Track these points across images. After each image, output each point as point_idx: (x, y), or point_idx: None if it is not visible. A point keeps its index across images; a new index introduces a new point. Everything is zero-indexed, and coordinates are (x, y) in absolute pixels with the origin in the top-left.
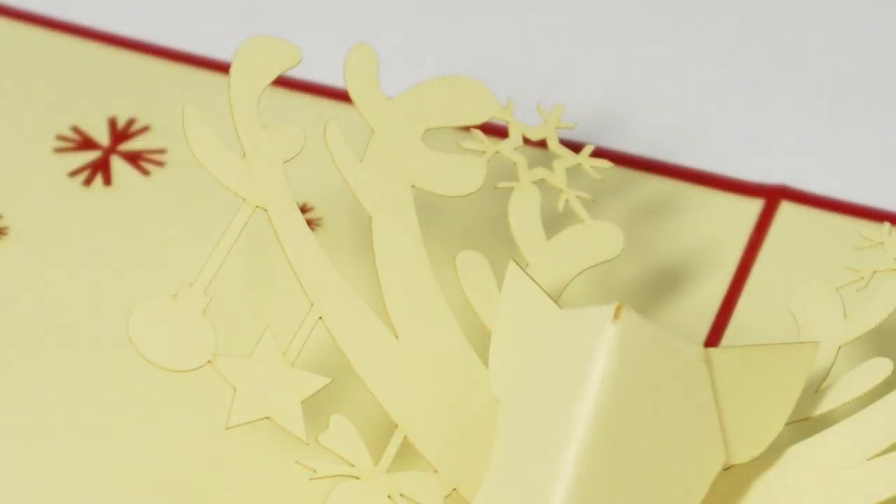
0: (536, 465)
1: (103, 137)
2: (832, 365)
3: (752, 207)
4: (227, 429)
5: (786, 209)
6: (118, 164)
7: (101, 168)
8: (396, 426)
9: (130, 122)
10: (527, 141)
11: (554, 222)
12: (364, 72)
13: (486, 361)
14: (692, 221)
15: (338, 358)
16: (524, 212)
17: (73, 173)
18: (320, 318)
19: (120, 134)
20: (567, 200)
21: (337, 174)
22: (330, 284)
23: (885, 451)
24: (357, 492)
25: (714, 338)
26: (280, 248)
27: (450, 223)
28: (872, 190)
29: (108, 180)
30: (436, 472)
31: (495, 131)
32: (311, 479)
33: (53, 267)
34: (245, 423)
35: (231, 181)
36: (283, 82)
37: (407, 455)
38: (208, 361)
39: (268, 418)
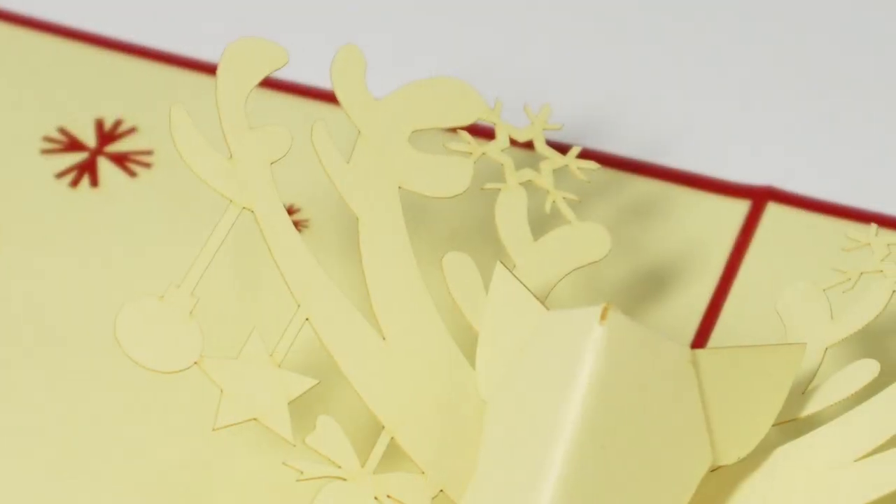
0: (524, 466)
1: (90, 139)
2: (819, 366)
3: (739, 208)
4: (214, 430)
5: (773, 210)
6: (105, 166)
7: (88, 169)
8: (383, 427)
9: (117, 124)
10: (514, 142)
11: (541, 223)
12: (351, 73)
13: (473, 363)
14: (679, 223)
15: (325, 359)
16: (511, 213)
17: (60, 175)
18: (307, 319)
19: (107, 135)
20: (554, 202)
21: (324, 175)
22: (317, 285)
23: (873, 452)
24: (344, 493)
25: (701, 339)
26: (267, 249)
27: (437, 224)
28: (859, 191)
29: (95, 182)
30: (423, 473)
31: (482, 133)
32: (298, 480)
33: (40, 268)
34: (232, 425)
35: (218, 182)
36: (270, 83)
37: (394, 456)
38: (195, 363)
39: (255, 419)
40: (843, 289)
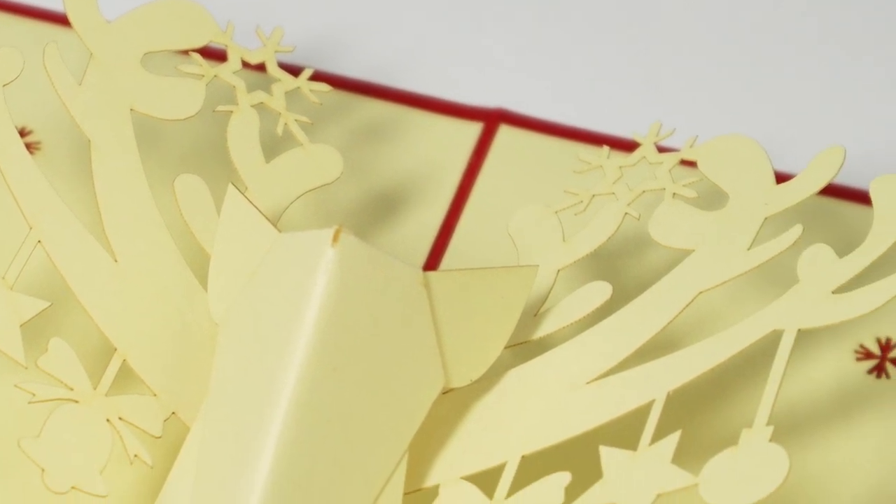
0: (256, 388)
1: None
2: (551, 288)
3: (471, 131)
4: None
5: (504, 132)
6: None
7: None
8: (115, 349)
9: None
10: (246, 65)
11: (273, 146)
12: None
13: (205, 285)
14: (411, 145)
15: (57, 281)
16: (243, 135)
17: None
18: (39, 241)
19: None
20: (286, 124)
21: (56, 98)
22: (49, 208)
23: (606, 374)
24: (76, 415)
25: (433, 261)
26: None
27: (169, 147)
28: (591, 114)
29: None
30: (155, 395)
31: (214, 55)
32: (30, 402)
33: None
34: None
35: None
36: (1, 6)
37: (127, 378)
38: None
39: None
40: (576, 211)
